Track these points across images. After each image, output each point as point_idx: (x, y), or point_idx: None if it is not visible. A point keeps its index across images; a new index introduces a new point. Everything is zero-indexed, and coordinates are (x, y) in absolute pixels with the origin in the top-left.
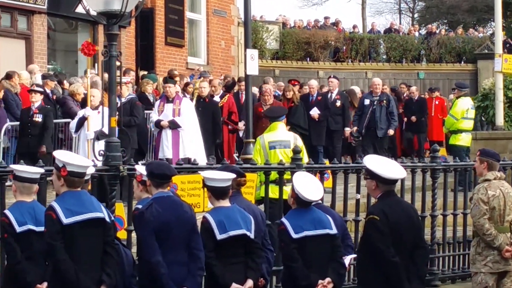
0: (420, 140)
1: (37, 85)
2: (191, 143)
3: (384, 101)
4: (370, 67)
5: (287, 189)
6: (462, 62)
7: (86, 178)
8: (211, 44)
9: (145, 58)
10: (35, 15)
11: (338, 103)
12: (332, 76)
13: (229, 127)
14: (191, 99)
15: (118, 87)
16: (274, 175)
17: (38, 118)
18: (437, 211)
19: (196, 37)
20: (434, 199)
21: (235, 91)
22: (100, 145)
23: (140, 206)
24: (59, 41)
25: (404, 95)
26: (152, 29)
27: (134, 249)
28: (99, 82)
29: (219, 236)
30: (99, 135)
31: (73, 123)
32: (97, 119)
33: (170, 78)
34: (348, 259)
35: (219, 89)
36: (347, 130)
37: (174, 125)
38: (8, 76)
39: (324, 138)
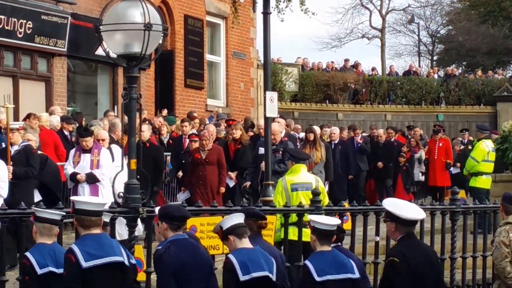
0: (387, 188)
1: None
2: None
3: (280, 152)
4: (389, 109)
5: (307, 231)
6: (482, 105)
7: (105, 220)
8: (231, 86)
9: (165, 100)
10: (55, 58)
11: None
12: (278, 115)
13: None
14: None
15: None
16: (294, 217)
17: None
18: (456, 253)
19: (216, 79)
20: (453, 242)
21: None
22: None
23: (160, 248)
24: (79, 83)
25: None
26: (171, 71)
27: None
28: (118, 124)
29: (242, 278)
30: None
31: None
32: None
33: (85, 130)
34: None
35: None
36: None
37: (92, 179)
38: (27, 118)
39: None
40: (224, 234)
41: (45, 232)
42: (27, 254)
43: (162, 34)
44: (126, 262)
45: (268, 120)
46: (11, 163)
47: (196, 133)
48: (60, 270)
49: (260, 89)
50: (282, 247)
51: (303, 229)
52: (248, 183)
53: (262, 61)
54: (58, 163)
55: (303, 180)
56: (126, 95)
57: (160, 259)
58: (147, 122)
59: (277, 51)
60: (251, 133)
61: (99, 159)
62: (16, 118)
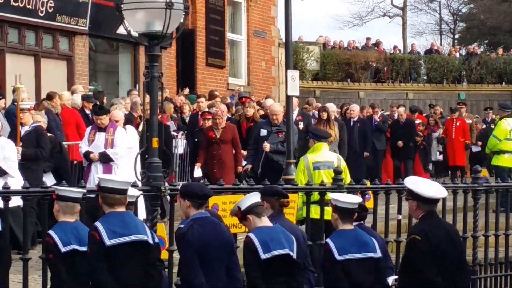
0: (407, 167)
1: None
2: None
3: (283, 133)
4: (410, 88)
5: (329, 209)
6: (503, 83)
7: (130, 200)
8: (252, 65)
9: (186, 79)
10: (77, 36)
11: (301, 125)
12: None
13: None
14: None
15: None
16: (316, 195)
17: None
18: (478, 232)
19: (237, 58)
20: (475, 220)
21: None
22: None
23: (182, 226)
24: (100, 62)
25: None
26: (193, 50)
27: (176, 270)
28: (138, 102)
29: (263, 256)
30: None
31: None
32: None
33: (100, 108)
34: (390, 280)
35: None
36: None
37: (105, 159)
38: (49, 96)
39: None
40: (243, 214)
41: (68, 210)
42: (50, 232)
43: (184, 13)
44: (150, 241)
45: (289, 99)
46: (21, 144)
47: (209, 110)
48: (84, 248)
49: (282, 67)
50: (304, 226)
51: (325, 208)
52: (249, 166)
53: (284, 40)
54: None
55: (325, 159)
56: (148, 73)
57: (183, 237)
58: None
59: (298, 30)
60: (261, 112)
61: (113, 138)
62: (38, 97)
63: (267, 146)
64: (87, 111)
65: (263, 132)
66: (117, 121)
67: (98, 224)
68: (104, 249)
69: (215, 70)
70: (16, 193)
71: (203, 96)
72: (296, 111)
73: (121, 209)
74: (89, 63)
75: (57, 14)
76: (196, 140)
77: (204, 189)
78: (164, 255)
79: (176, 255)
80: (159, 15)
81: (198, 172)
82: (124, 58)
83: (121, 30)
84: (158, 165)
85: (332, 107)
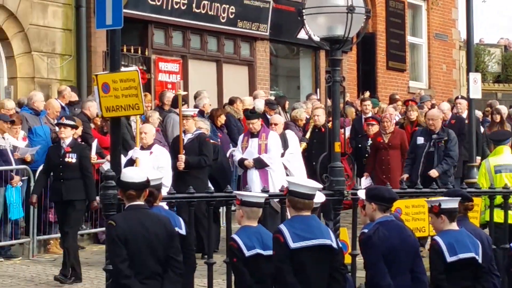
0: None
1: (67, 118)
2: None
3: (443, 141)
4: None
5: None
6: None
7: (315, 206)
8: (433, 68)
9: (367, 83)
10: (258, 42)
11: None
12: (459, 96)
13: None
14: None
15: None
16: (499, 199)
17: (71, 158)
18: None
19: (418, 61)
20: None
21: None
22: None
23: (366, 230)
24: (281, 67)
25: None
26: (373, 53)
27: (359, 274)
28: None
29: (449, 259)
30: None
31: None
32: (148, 162)
33: (252, 112)
34: None
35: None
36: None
37: (260, 165)
38: (231, 101)
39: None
40: (439, 211)
41: (252, 215)
42: (235, 236)
43: (365, 17)
44: (334, 245)
45: (471, 102)
46: (184, 151)
47: (373, 116)
48: (267, 252)
49: (463, 70)
50: (487, 229)
51: (509, 212)
52: (405, 176)
53: (464, 42)
54: None
55: (506, 162)
56: (330, 78)
57: (368, 241)
58: (323, 106)
59: (479, 32)
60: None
61: (266, 143)
62: (219, 103)
63: (435, 173)
64: (268, 116)
65: (420, 140)
66: (275, 125)
67: (282, 227)
68: (289, 252)
69: (396, 74)
70: (200, 198)
71: (367, 99)
72: (464, 114)
73: (307, 213)
74: (270, 68)
75: (239, 20)
76: (359, 145)
77: (391, 192)
78: (347, 259)
79: (359, 260)
80: (340, 20)
81: (365, 182)
82: (305, 63)
83: (301, 35)
84: (341, 169)
85: (503, 109)
